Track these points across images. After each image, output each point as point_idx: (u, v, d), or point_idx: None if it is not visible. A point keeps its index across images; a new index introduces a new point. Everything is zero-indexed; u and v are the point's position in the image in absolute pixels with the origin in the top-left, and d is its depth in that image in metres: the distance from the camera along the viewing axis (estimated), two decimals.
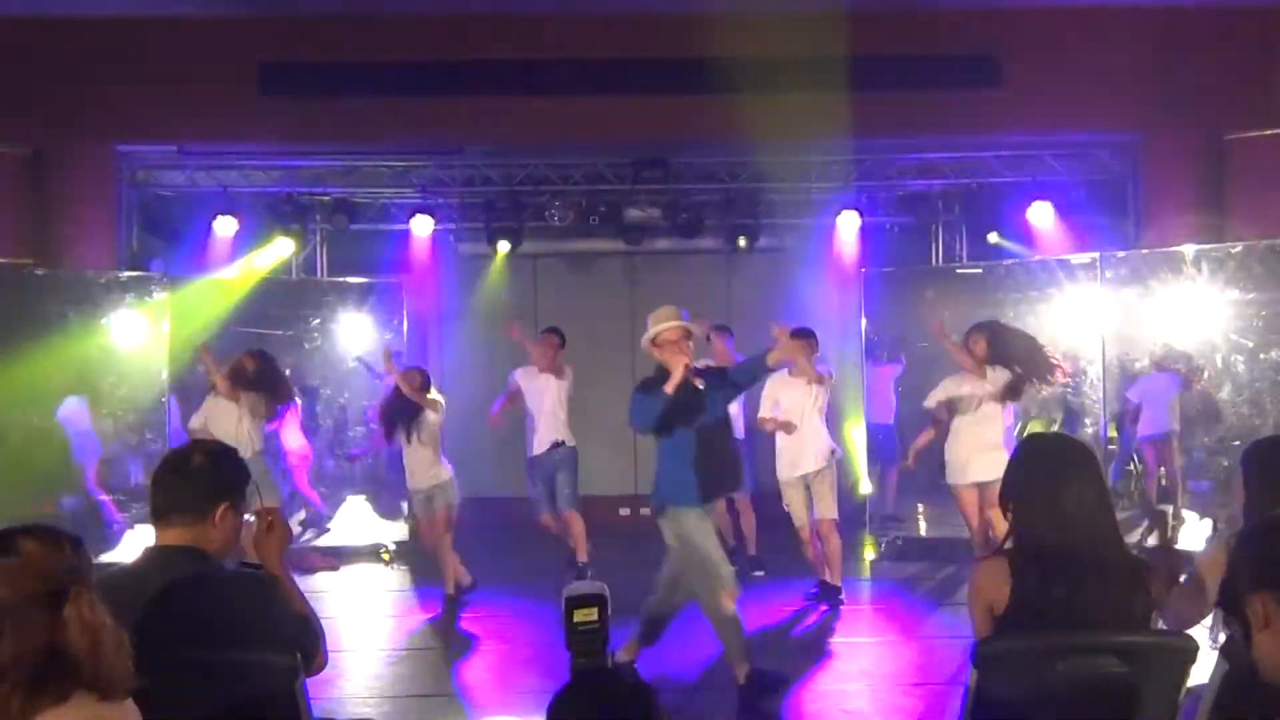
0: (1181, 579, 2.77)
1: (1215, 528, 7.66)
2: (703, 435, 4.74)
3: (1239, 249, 7.60)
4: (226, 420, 6.82)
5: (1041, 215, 8.95)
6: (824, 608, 6.53)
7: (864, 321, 8.91)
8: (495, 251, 9.76)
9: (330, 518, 9.12)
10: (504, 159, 9.41)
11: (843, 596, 6.60)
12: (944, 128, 8.55)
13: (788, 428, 6.48)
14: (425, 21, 8.24)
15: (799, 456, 6.54)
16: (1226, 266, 7.61)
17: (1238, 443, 7.13)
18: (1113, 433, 8.67)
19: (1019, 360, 6.26)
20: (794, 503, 6.61)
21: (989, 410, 6.28)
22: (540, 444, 7.19)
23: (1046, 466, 2.55)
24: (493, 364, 10.16)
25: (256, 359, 7.10)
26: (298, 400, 8.26)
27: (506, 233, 9.51)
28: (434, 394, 6.79)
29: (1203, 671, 2.49)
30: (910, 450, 7.22)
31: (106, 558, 6.83)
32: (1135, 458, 8.86)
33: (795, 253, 10.18)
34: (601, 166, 9.37)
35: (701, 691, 5.00)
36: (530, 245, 9.78)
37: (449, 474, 6.78)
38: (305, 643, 2.45)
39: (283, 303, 9.42)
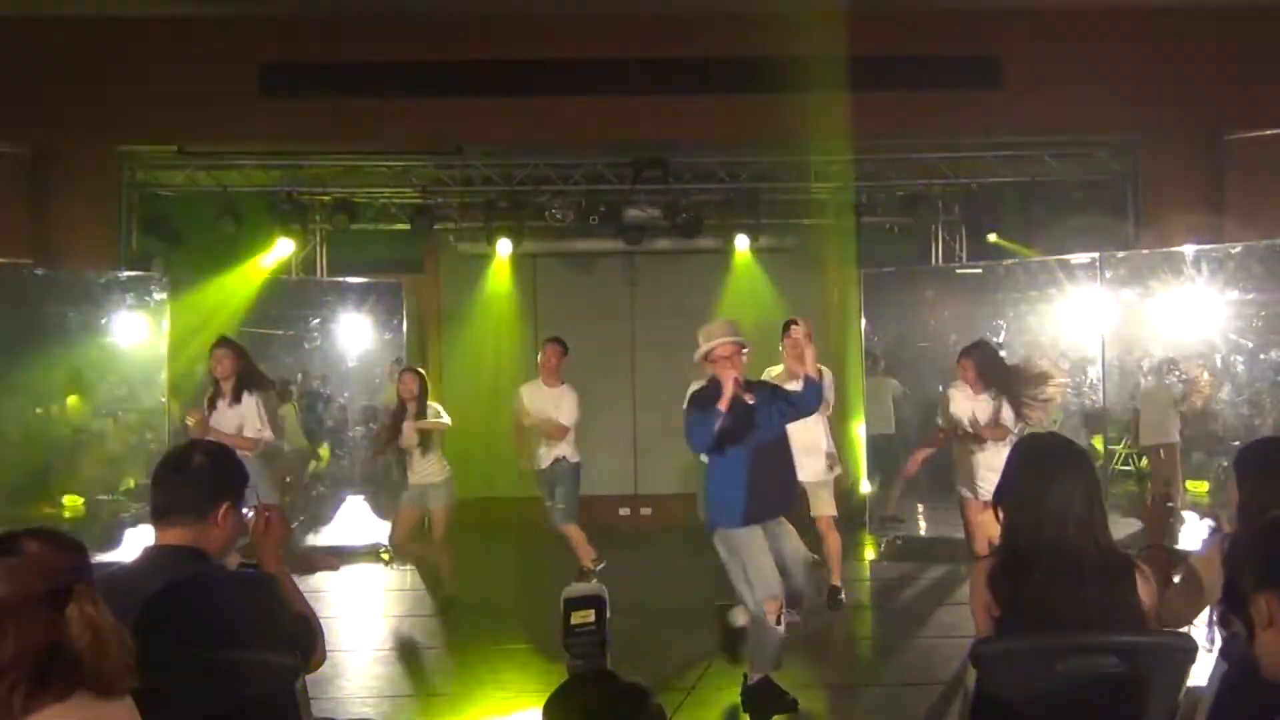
0: (1176, 579, 2.78)
1: (1214, 528, 7.66)
2: (756, 454, 4.62)
3: (1239, 249, 7.60)
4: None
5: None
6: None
7: (864, 322, 8.91)
8: (495, 251, 9.77)
9: (331, 517, 9.14)
10: (504, 159, 9.42)
11: (842, 595, 6.60)
12: (944, 128, 8.56)
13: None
14: (425, 21, 8.23)
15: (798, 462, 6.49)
16: (1226, 266, 7.62)
17: (1237, 442, 7.14)
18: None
19: (1008, 380, 6.16)
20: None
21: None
22: (544, 458, 7.07)
23: (1035, 466, 2.56)
24: (492, 364, 10.20)
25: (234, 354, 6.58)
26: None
27: (506, 233, 9.52)
28: (434, 411, 6.71)
29: (1202, 671, 2.49)
30: (911, 460, 7.13)
31: (107, 558, 6.82)
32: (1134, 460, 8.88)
33: (795, 253, 10.19)
34: (601, 166, 9.38)
35: (701, 691, 5.00)
36: (530, 245, 9.79)
37: (447, 474, 6.76)
38: (304, 641, 2.46)
39: (283, 303, 9.42)
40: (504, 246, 9.67)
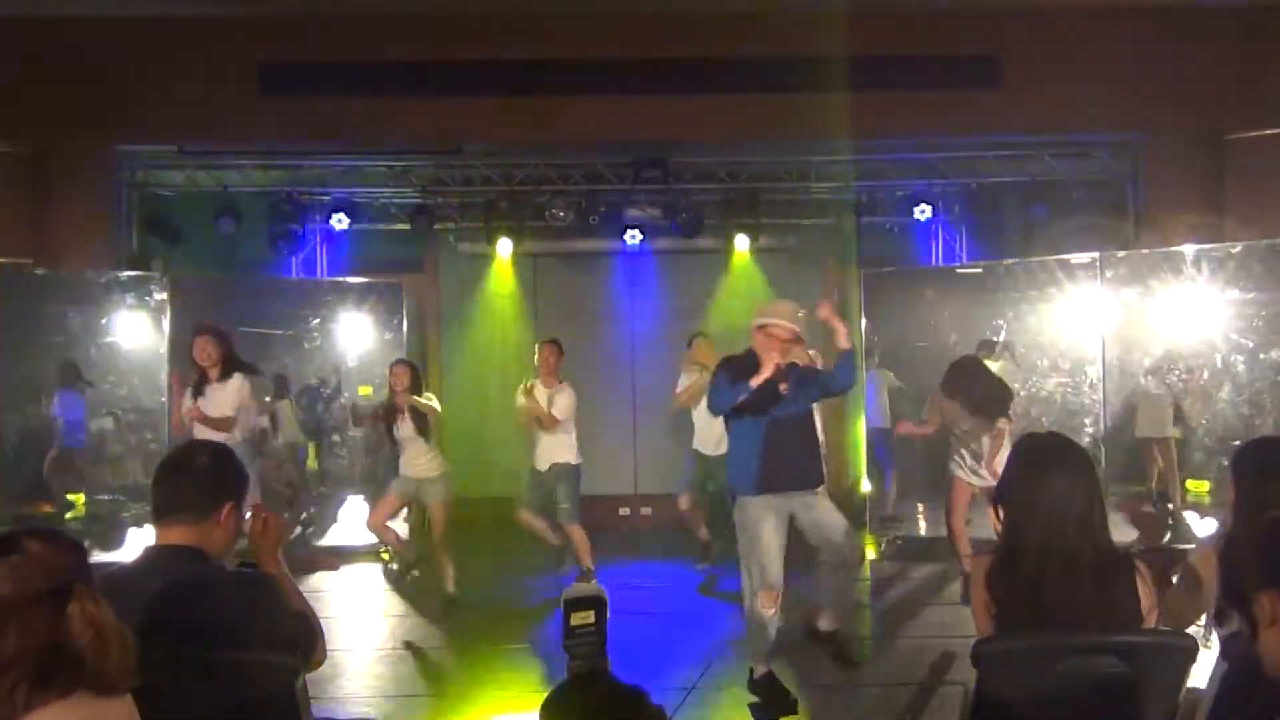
0: (1174, 579, 2.78)
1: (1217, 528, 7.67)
2: (777, 425, 4.68)
3: (1239, 249, 7.60)
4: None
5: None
6: None
7: (864, 321, 8.91)
8: (495, 251, 9.77)
9: (333, 517, 9.15)
10: (504, 159, 9.42)
11: None
12: (944, 128, 8.56)
13: None
14: (425, 21, 8.24)
15: None
16: (1226, 266, 7.62)
17: (1237, 442, 7.13)
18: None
19: (992, 399, 6.31)
20: None
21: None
22: (541, 460, 7.08)
23: (1033, 463, 2.56)
24: (492, 365, 10.20)
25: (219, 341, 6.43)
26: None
27: (506, 233, 9.52)
28: (426, 398, 6.69)
29: (1202, 671, 2.49)
30: (909, 431, 7.17)
31: (107, 558, 6.83)
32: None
33: (795, 253, 10.19)
34: (601, 166, 9.38)
35: (701, 691, 5.00)
36: (530, 245, 9.79)
37: (443, 468, 6.74)
38: (304, 641, 2.46)
39: (283, 303, 9.42)
40: (504, 246, 9.68)
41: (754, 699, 4.68)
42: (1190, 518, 8.12)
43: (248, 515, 2.56)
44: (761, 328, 4.72)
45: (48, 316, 8.19)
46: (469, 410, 9.98)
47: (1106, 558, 2.49)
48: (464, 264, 10.23)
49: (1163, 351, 8.23)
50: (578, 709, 1.65)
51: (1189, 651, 2.36)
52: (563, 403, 7.00)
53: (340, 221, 9.45)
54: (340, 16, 8.19)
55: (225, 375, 6.27)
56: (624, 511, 10.03)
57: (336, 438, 9.70)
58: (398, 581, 7.44)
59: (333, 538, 8.82)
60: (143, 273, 8.58)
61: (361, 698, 5.03)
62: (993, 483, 5.96)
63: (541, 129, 8.51)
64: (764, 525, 4.63)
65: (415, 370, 6.72)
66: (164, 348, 8.14)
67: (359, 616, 6.77)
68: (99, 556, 6.76)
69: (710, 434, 7.18)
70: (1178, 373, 8.25)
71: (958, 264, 9.90)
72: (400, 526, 8.45)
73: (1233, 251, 7.63)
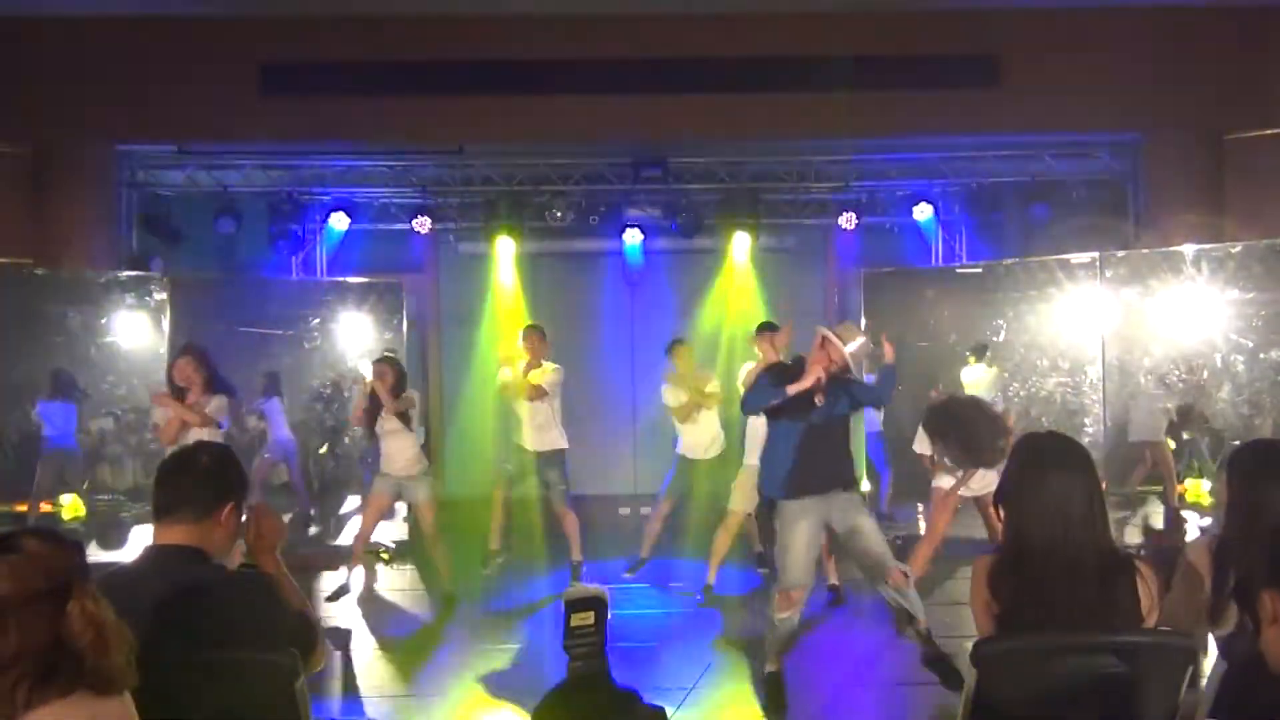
0: (1175, 579, 2.79)
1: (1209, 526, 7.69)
2: (813, 429, 4.71)
3: (1239, 249, 7.61)
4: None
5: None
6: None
7: (864, 321, 8.91)
8: (495, 251, 9.77)
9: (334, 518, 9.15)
10: (504, 159, 9.42)
11: (841, 595, 6.60)
12: (944, 128, 8.56)
13: None
14: (425, 21, 8.24)
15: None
16: (1226, 266, 7.62)
17: (1237, 442, 7.14)
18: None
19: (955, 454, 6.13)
20: (740, 488, 6.57)
21: None
22: (531, 440, 7.08)
23: (1034, 463, 2.56)
24: (492, 364, 10.20)
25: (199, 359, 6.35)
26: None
27: (506, 233, 9.52)
28: (407, 393, 6.69)
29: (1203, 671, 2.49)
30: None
31: (107, 558, 6.83)
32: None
33: (795, 253, 10.19)
34: (601, 166, 9.38)
35: (701, 691, 5.00)
36: (530, 245, 9.79)
37: (425, 465, 6.70)
38: (304, 641, 2.46)
39: (283, 303, 9.42)
40: (504, 246, 9.68)
41: (767, 691, 4.73)
42: (1190, 517, 8.13)
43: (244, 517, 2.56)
44: (824, 341, 4.75)
45: (48, 316, 8.19)
46: (469, 410, 9.98)
47: (1108, 558, 2.49)
48: (464, 264, 10.23)
49: (1162, 352, 8.24)
50: (573, 710, 1.65)
51: (1189, 651, 2.36)
52: (550, 376, 7.03)
53: (340, 221, 9.45)
54: (340, 16, 8.19)
55: (206, 394, 6.20)
56: (624, 511, 10.02)
57: (347, 439, 9.68)
58: (396, 581, 7.44)
59: (335, 538, 8.81)
60: (142, 273, 8.59)
61: (361, 697, 5.03)
62: (980, 492, 5.95)
63: (541, 129, 8.51)
64: (796, 529, 4.66)
65: (399, 368, 6.69)
66: (164, 348, 8.14)
67: (359, 617, 6.76)
68: (99, 556, 6.77)
69: (695, 438, 7.17)
70: (1178, 373, 8.25)
71: (958, 264, 9.89)
72: (400, 527, 8.48)
73: (1233, 251, 7.63)
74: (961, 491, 6.08)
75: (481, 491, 8.87)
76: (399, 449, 6.54)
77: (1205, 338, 7.96)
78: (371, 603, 7.18)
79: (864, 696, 4.93)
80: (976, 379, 8.31)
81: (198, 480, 2.41)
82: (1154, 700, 2.36)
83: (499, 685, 5.23)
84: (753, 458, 6.59)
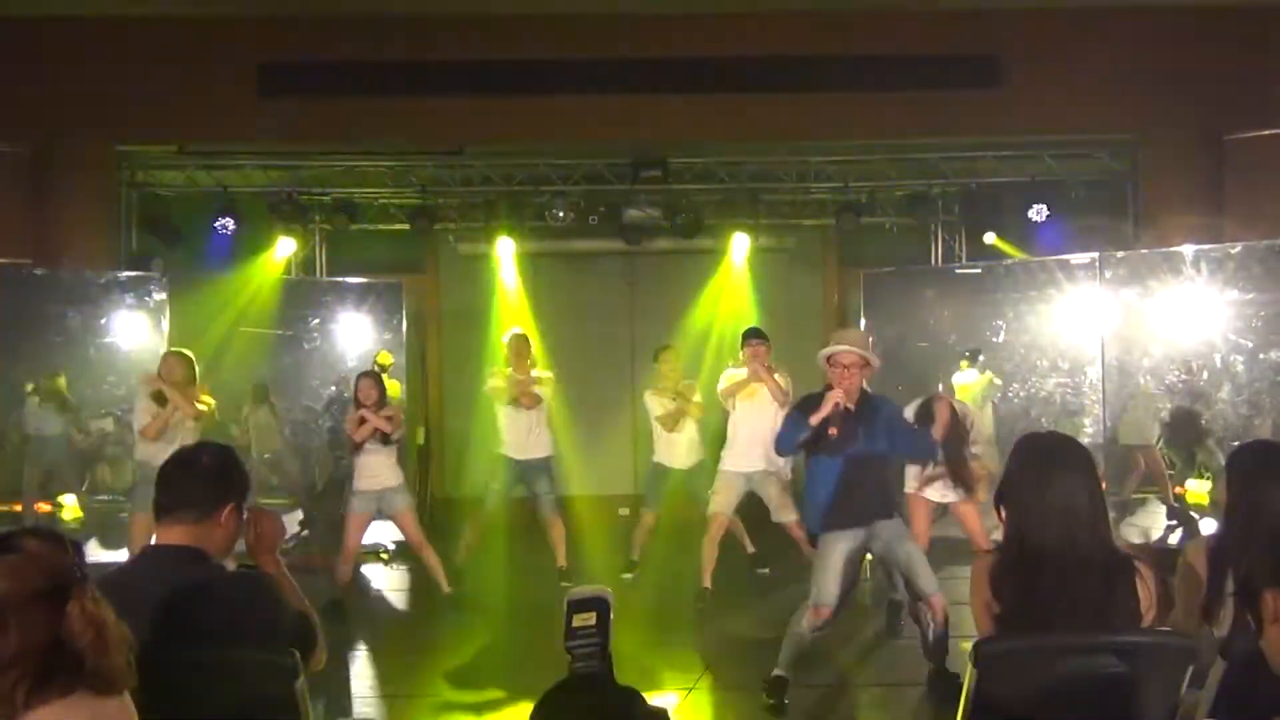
0: (1174, 578, 2.81)
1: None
2: (851, 463, 4.65)
3: (1238, 249, 7.60)
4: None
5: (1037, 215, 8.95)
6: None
7: (864, 321, 8.91)
8: (495, 251, 9.77)
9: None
10: (504, 159, 9.42)
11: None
12: (944, 128, 8.56)
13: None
14: (425, 21, 8.24)
15: (746, 451, 6.53)
16: (1226, 267, 7.62)
17: (1237, 442, 7.14)
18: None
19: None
20: (720, 492, 6.57)
21: None
22: (519, 450, 7.05)
23: (1035, 463, 2.56)
24: (492, 364, 10.19)
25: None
26: None
27: (506, 233, 9.52)
28: (390, 409, 6.64)
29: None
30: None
31: (107, 557, 6.83)
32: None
33: (795, 253, 10.19)
34: (601, 166, 9.38)
35: (701, 691, 5.00)
36: (530, 245, 9.78)
37: (402, 477, 6.65)
38: (304, 641, 2.46)
39: (282, 303, 9.41)
40: (504, 246, 9.67)
41: (770, 691, 4.73)
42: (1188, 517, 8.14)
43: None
44: (829, 359, 4.70)
45: (47, 316, 8.18)
46: (468, 411, 9.98)
47: (1109, 557, 2.50)
48: (464, 264, 10.23)
49: (1162, 353, 8.24)
50: (574, 710, 1.65)
51: (1189, 651, 2.36)
52: (549, 386, 7.06)
53: (340, 222, 9.44)
54: (339, 16, 8.19)
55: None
56: (623, 511, 10.01)
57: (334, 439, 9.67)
58: (396, 581, 7.44)
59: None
60: (142, 273, 8.58)
61: (361, 698, 5.03)
62: (954, 498, 5.93)
63: (541, 129, 8.51)
64: (834, 551, 4.67)
65: (382, 383, 6.68)
66: (163, 348, 8.11)
67: (358, 616, 6.76)
68: (99, 556, 6.77)
69: (673, 446, 7.15)
70: (1177, 374, 8.26)
71: (957, 264, 9.90)
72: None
73: (1232, 252, 7.63)
74: (934, 498, 6.05)
75: (480, 492, 8.89)
76: (377, 463, 6.48)
77: (1205, 338, 7.97)
78: (370, 603, 7.18)
79: (863, 696, 4.93)
80: (966, 383, 8.32)
81: (198, 481, 2.41)
82: (1154, 700, 2.36)
83: (499, 685, 5.24)
84: (729, 462, 6.61)
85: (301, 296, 9.56)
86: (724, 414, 6.79)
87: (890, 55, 8.25)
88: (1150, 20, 8.26)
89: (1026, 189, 9.15)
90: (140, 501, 6.04)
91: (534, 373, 7.13)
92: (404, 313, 9.16)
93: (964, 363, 8.45)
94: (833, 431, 4.59)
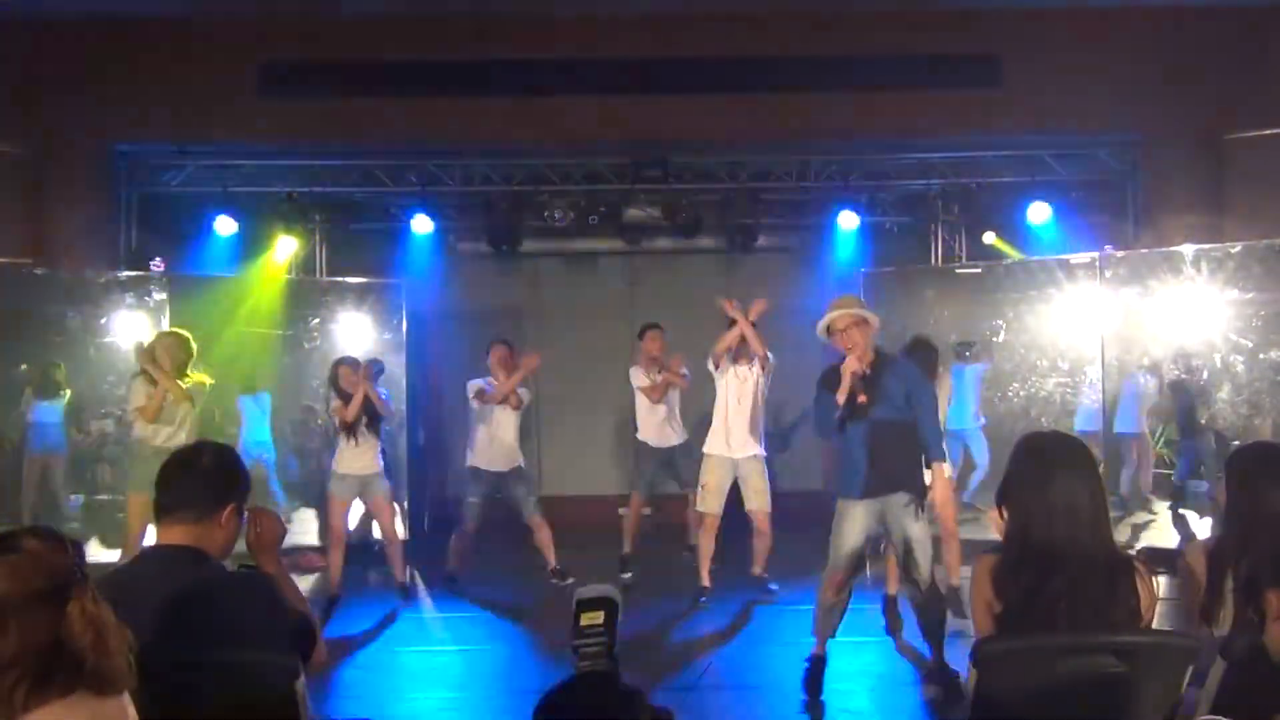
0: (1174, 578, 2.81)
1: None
2: (878, 428, 4.70)
3: (1238, 249, 7.60)
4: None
5: (1040, 215, 8.94)
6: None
7: None
8: (495, 251, 9.77)
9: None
10: (504, 159, 9.41)
11: (775, 590, 6.65)
12: (944, 128, 8.56)
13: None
14: (425, 21, 8.24)
15: (729, 437, 6.55)
16: (1226, 266, 7.62)
17: (1237, 442, 7.14)
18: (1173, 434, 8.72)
19: None
20: (709, 488, 6.55)
21: None
22: (493, 461, 7.07)
23: (1037, 462, 2.56)
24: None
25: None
26: None
27: (506, 232, 9.51)
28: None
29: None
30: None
31: (108, 557, 6.82)
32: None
33: (795, 253, 10.18)
34: (601, 166, 9.38)
35: (701, 691, 5.00)
36: (530, 245, 9.78)
37: (381, 466, 6.77)
38: (305, 642, 2.46)
39: (283, 303, 9.39)
40: (503, 246, 9.67)
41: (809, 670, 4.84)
42: (1190, 517, 8.14)
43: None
44: (828, 331, 4.80)
45: (47, 316, 8.18)
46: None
47: (1111, 557, 2.50)
48: (464, 264, 10.22)
49: (1162, 353, 8.24)
50: (580, 709, 1.65)
51: (1189, 651, 2.36)
52: (524, 392, 7.13)
53: (340, 221, 9.43)
54: (339, 16, 8.19)
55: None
56: (623, 511, 9.99)
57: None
58: (394, 581, 7.43)
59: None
60: (142, 273, 8.58)
61: (361, 698, 5.03)
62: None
63: (541, 129, 8.51)
64: (847, 519, 4.74)
65: (360, 365, 6.83)
66: None
67: (357, 616, 6.75)
68: (99, 556, 6.77)
69: (657, 423, 7.21)
70: (1176, 371, 8.26)
71: (958, 264, 9.89)
72: (399, 527, 8.44)
73: (1232, 252, 7.62)
74: None
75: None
76: (367, 447, 6.61)
77: (1205, 338, 7.96)
78: (371, 603, 7.17)
79: (863, 696, 4.92)
80: (960, 374, 8.38)
81: (199, 481, 2.41)
82: (1154, 700, 2.36)
83: (500, 685, 5.24)
84: (714, 446, 6.61)
85: (301, 296, 9.54)
86: (710, 398, 6.78)
87: (890, 55, 8.25)
88: (1150, 20, 8.26)
89: (1026, 189, 9.15)
90: (137, 482, 6.05)
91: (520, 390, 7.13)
92: (404, 313, 9.15)
93: (953, 356, 8.45)
94: (862, 399, 4.64)
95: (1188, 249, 7.75)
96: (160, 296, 8.21)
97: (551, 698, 1.70)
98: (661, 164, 9.07)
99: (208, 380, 6.44)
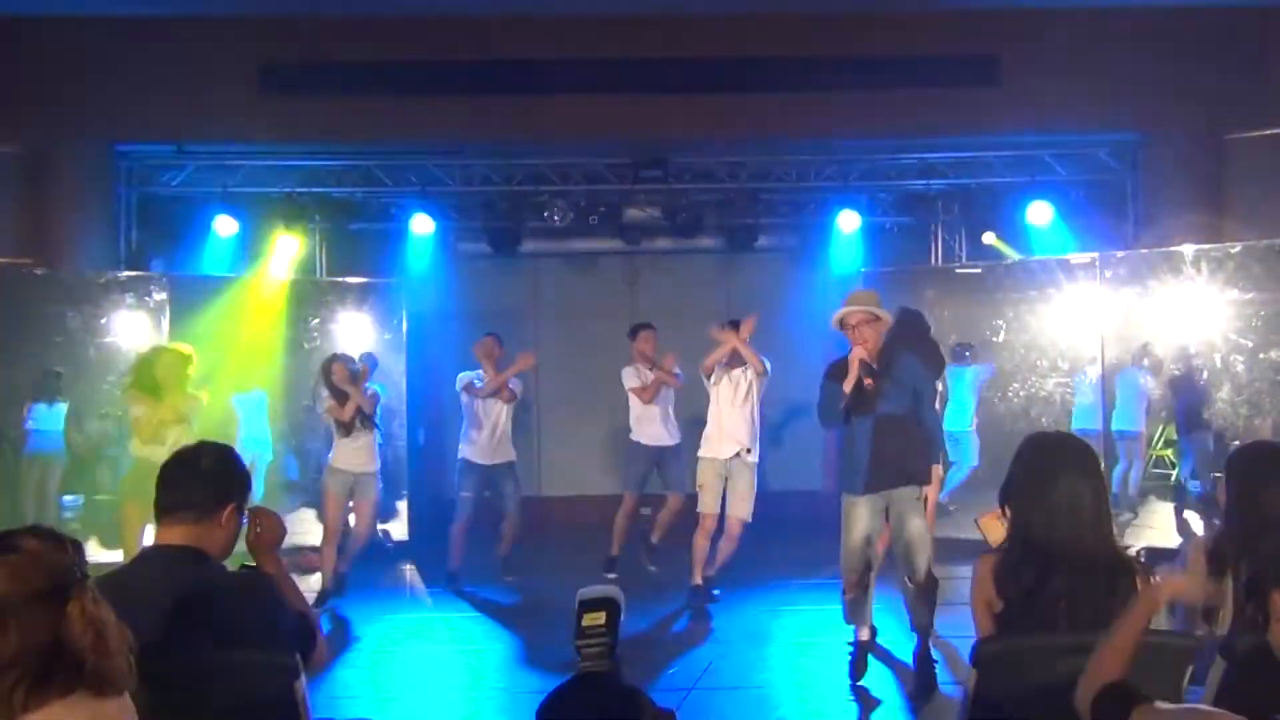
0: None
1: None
2: (882, 423, 4.73)
3: (1238, 249, 7.60)
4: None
5: (1040, 215, 8.94)
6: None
7: None
8: (495, 251, 9.77)
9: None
10: (504, 159, 9.41)
11: (718, 594, 6.63)
12: (944, 128, 8.56)
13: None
14: (425, 21, 8.23)
15: (722, 440, 6.55)
16: (1225, 266, 7.62)
17: (1237, 442, 7.13)
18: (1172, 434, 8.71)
19: None
20: (705, 488, 6.54)
21: None
22: (484, 454, 7.10)
23: (1040, 463, 2.56)
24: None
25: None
26: None
27: (506, 232, 9.51)
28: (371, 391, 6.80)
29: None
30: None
31: (108, 558, 6.82)
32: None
33: (795, 253, 10.18)
34: (601, 166, 9.38)
35: (701, 691, 5.00)
36: (530, 245, 9.78)
37: (377, 465, 6.79)
38: (304, 641, 2.46)
39: (282, 303, 9.38)
40: (504, 246, 9.67)
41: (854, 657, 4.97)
42: (1190, 517, 8.14)
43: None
44: (841, 324, 4.84)
45: (47, 317, 8.16)
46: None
47: (1113, 558, 2.50)
48: (464, 264, 10.22)
49: (1162, 353, 8.24)
50: (581, 709, 1.65)
51: (1189, 651, 2.36)
52: (517, 384, 7.17)
53: (340, 221, 9.41)
54: (339, 16, 8.19)
55: None
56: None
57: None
58: (394, 581, 7.44)
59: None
60: (142, 273, 8.58)
61: (361, 698, 5.02)
62: None
63: (541, 129, 8.51)
64: (853, 517, 4.79)
65: (351, 362, 6.87)
66: None
67: (358, 617, 6.76)
68: (99, 556, 6.77)
69: (650, 423, 7.19)
70: (1176, 370, 8.25)
71: (958, 264, 9.89)
72: (400, 526, 8.45)
73: (1232, 252, 7.63)
74: None
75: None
76: (363, 443, 6.64)
77: (1205, 338, 7.96)
78: (371, 603, 7.18)
79: (864, 695, 4.92)
80: (960, 376, 8.37)
81: (199, 481, 2.41)
82: (1154, 700, 2.36)
83: (500, 685, 5.24)
84: (709, 449, 6.60)
85: (301, 296, 9.53)
86: (704, 401, 6.78)
87: (890, 55, 8.24)
88: (1150, 20, 8.25)
89: (1026, 189, 9.15)
90: (127, 490, 6.05)
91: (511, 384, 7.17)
92: (404, 313, 9.15)
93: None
94: (869, 382, 4.67)
95: (1188, 249, 7.75)
96: (160, 297, 8.21)
97: (554, 698, 1.70)
98: (661, 164, 9.07)
99: (205, 397, 6.43)
